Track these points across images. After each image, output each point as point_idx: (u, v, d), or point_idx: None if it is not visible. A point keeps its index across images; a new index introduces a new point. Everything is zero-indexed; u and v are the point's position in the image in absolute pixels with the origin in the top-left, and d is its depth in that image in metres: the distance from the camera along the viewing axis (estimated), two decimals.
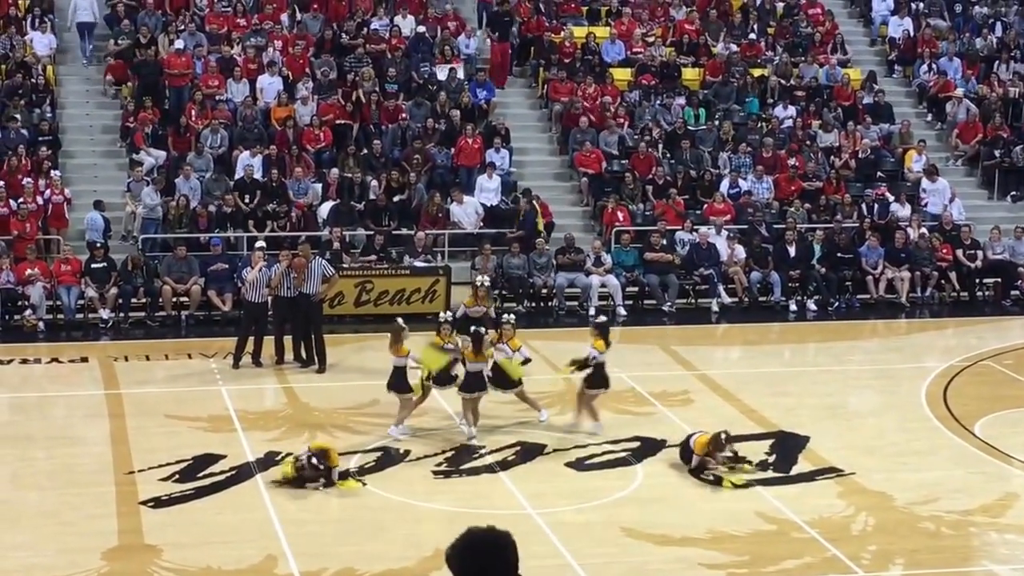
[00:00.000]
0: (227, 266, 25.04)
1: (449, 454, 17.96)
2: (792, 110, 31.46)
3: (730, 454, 17.41)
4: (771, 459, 17.94)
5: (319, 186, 27.80)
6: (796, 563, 14.87)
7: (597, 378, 18.81)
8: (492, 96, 30.86)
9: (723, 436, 17.30)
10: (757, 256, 27.21)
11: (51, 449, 18.26)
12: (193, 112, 28.69)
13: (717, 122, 30.92)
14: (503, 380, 18.72)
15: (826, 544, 15.27)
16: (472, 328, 19.03)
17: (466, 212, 27.63)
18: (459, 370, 18.73)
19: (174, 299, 24.99)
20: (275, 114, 29.10)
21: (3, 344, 23.43)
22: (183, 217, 26.46)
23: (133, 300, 24.88)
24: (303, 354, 22.07)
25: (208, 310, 25.08)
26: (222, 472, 17.12)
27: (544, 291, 26.49)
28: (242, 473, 17.07)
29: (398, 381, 18.49)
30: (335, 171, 27.84)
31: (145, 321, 24.96)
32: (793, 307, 26.93)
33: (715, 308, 26.67)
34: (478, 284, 21.39)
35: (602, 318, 20.29)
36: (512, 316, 19.44)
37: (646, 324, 25.90)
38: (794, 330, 26.20)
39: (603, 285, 26.31)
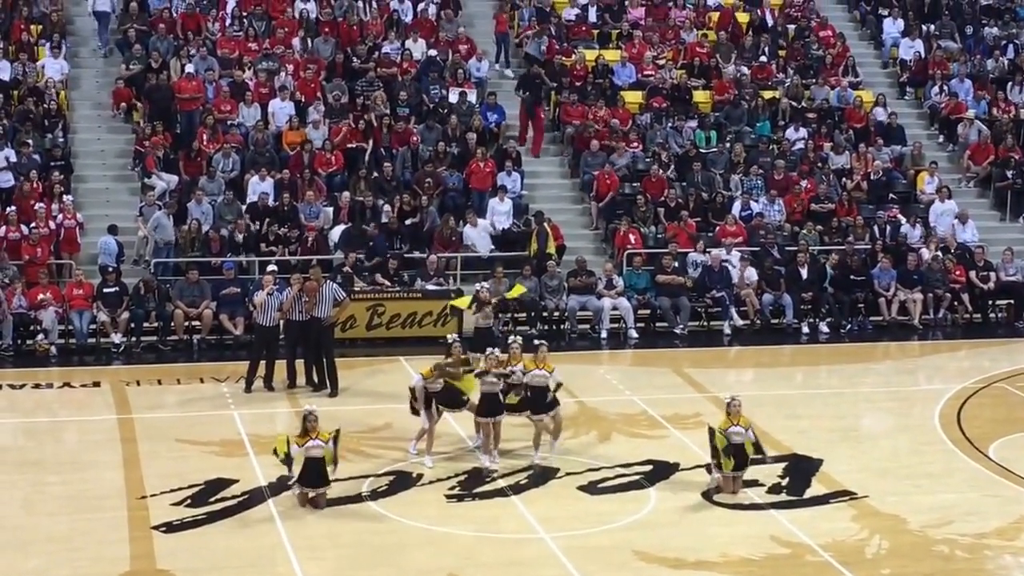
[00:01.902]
0: (239, 290, 25.06)
1: (462, 478, 17.95)
2: (803, 132, 31.45)
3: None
4: (784, 482, 17.90)
5: (330, 210, 27.83)
6: None
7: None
8: (503, 120, 30.88)
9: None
10: (769, 278, 27.16)
11: (63, 474, 18.22)
12: (205, 136, 28.73)
13: (728, 144, 30.92)
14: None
15: (840, 568, 15.22)
16: (488, 349, 18.91)
17: (479, 235, 27.63)
18: (473, 394, 18.74)
19: (186, 323, 24.99)
20: (287, 138, 29.14)
21: (15, 369, 23.47)
22: (195, 241, 26.50)
23: (145, 324, 24.89)
24: (315, 378, 22.08)
25: (220, 334, 25.09)
26: (234, 496, 17.10)
27: (556, 314, 26.49)
28: (254, 498, 17.05)
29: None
30: (346, 194, 27.87)
31: (157, 345, 24.98)
32: (805, 329, 26.87)
33: (727, 330, 26.63)
34: (478, 289, 21.14)
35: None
36: (519, 337, 19.34)
37: (658, 347, 25.84)
38: (806, 352, 26.13)
39: (615, 308, 26.28)
